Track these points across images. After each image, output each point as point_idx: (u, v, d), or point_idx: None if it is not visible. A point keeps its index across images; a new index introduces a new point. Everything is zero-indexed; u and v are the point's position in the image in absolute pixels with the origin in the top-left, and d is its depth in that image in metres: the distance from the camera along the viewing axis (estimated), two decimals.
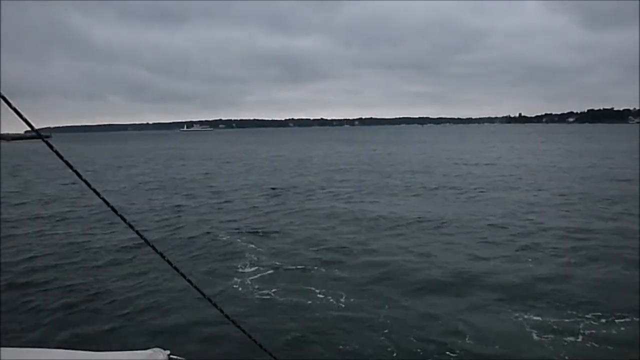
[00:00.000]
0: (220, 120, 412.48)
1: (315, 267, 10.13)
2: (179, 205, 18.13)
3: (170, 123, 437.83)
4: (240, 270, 10.04)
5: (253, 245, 11.93)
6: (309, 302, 8.28)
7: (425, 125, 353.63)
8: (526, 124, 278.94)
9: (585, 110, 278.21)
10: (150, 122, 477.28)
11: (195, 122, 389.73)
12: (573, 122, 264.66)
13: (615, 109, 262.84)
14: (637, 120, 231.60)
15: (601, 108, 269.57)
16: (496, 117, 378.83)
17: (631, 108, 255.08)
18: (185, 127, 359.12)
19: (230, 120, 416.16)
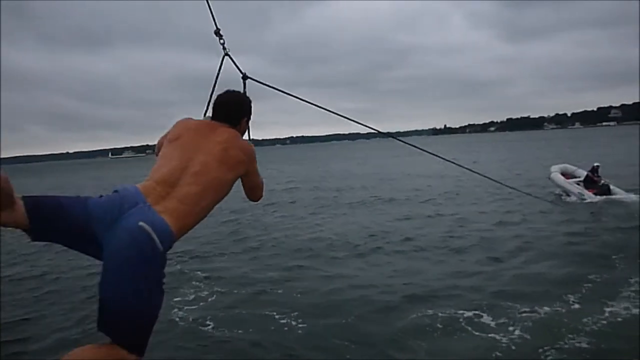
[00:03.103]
0: (147, 145, 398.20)
1: (265, 290, 9.08)
2: None
3: (93, 151, 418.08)
4: (180, 299, 8.77)
5: (194, 270, 10.68)
6: (260, 328, 7.25)
7: (356, 141, 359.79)
8: (451, 135, 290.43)
9: (505, 120, 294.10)
10: (71, 151, 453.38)
11: (122, 148, 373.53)
12: (494, 131, 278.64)
13: (531, 117, 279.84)
14: (551, 126, 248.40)
15: (519, 117, 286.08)
16: (423, 130, 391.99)
17: (546, 115, 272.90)
18: (110, 154, 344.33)
19: None
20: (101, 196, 2.14)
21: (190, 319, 7.77)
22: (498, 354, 6.13)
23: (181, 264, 11.30)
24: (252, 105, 2.91)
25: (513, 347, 6.26)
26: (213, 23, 3.21)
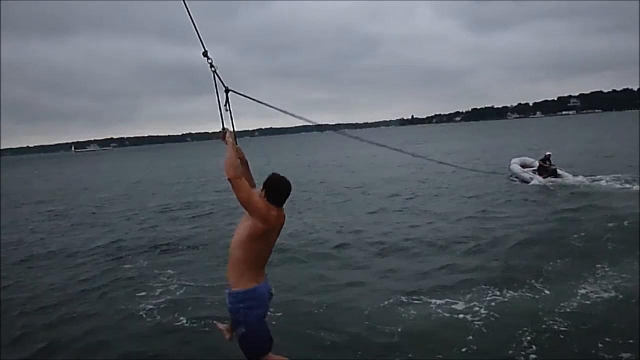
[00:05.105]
0: (112, 138, 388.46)
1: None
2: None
3: (55, 145, 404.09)
4: (145, 293, 8.53)
5: (162, 265, 10.42)
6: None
7: (324, 132, 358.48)
8: (418, 125, 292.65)
9: (470, 110, 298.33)
10: (31, 145, 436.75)
11: (86, 142, 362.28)
12: (460, 120, 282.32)
13: (495, 106, 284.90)
14: (514, 116, 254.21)
15: (483, 107, 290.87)
16: (391, 120, 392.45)
17: (509, 105, 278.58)
18: (73, 148, 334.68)
19: (123, 138, 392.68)
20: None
21: (157, 313, 7.56)
22: (470, 337, 6.14)
23: (148, 260, 11.06)
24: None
25: (485, 330, 6.29)
26: (200, 45, 4.20)
